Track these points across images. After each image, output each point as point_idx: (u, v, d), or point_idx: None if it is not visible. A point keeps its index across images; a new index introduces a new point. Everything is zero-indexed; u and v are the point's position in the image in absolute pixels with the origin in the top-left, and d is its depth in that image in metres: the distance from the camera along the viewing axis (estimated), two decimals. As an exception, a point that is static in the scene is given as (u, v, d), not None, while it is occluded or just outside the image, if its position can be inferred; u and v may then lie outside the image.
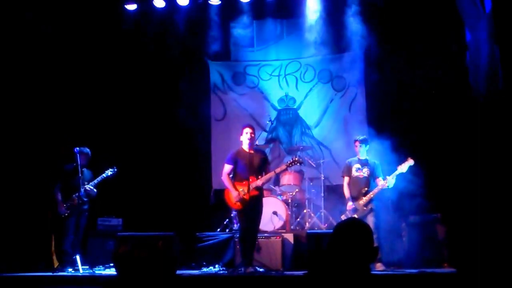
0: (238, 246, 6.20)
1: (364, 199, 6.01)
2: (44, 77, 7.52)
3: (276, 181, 7.63)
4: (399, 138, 6.65)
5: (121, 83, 8.25)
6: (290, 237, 6.60)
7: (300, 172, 7.77)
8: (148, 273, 2.23)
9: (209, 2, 8.29)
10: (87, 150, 6.61)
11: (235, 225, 7.12)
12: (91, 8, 7.73)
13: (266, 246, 6.31)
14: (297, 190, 7.56)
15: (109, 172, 6.58)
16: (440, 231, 6.46)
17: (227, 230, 7.38)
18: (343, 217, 6.24)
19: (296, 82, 8.93)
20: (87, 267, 6.29)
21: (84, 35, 7.86)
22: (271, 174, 5.92)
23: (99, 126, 7.99)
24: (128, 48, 8.15)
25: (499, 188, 4.16)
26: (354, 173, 6.19)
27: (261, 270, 5.79)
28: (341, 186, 7.09)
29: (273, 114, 8.77)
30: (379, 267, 5.64)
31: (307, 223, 7.43)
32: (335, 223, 7.12)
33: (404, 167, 5.98)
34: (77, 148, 6.40)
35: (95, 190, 6.48)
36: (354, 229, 2.19)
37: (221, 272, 6.11)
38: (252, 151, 5.85)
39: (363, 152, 6.24)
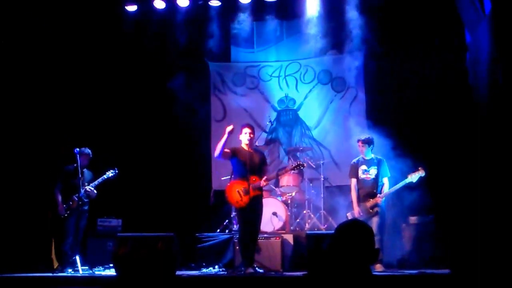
0: (237, 247, 6.20)
1: (372, 201, 5.90)
2: (45, 78, 7.53)
3: (276, 182, 7.63)
4: (399, 139, 6.65)
5: (121, 84, 8.26)
6: (289, 238, 6.60)
7: (300, 173, 7.77)
8: (148, 273, 2.23)
9: (209, 3, 8.30)
10: (88, 150, 6.62)
11: (235, 226, 7.12)
12: (92, 10, 7.74)
13: (266, 247, 6.31)
14: (296, 191, 7.56)
15: (110, 173, 6.59)
16: (439, 232, 6.46)
17: (226, 231, 7.38)
18: (349, 215, 6.18)
19: (296, 83, 8.94)
20: (87, 267, 6.30)
21: (84, 36, 7.87)
22: (273, 176, 5.96)
23: (99, 127, 8.00)
24: (129, 49, 8.15)
25: (499, 189, 4.16)
26: (361, 175, 6.06)
27: (260, 271, 5.79)
28: (340, 187, 7.11)
29: (273, 115, 8.78)
30: (378, 268, 5.63)
31: (306, 224, 7.44)
32: (334, 224, 7.13)
33: (414, 177, 5.84)
34: (78, 149, 6.40)
35: (95, 191, 6.48)
36: (355, 230, 2.19)
37: (221, 273, 6.11)
38: (251, 150, 5.87)
39: (367, 152, 6.08)
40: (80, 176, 6.33)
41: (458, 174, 5.85)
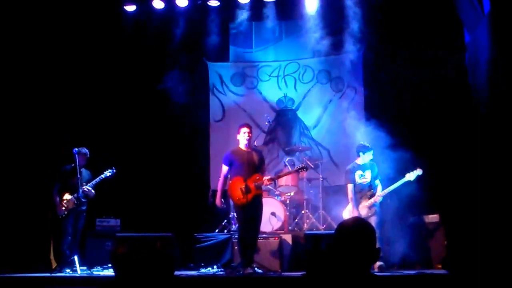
0: (236, 247, 6.19)
1: (369, 202, 6.11)
2: (43, 77, 7.50)
3: (274, 181, 7.62)
4: (398, 139, 6.65)
5: (119, 84, 8.24)
6: (288, 238, 6.60)
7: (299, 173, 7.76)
8: (146, 274, 2.22)
9: (208, 3, 8.29)
10: (85, 150, 6.60)
11: (234, 226, 7.11)
12: (91, 9, 7.72)
13: (265, 247, 6.30)
14: (295, 190, 7.56)
15: (107, 173, 6.57)
16: (439, 232, 6.46)
17: (225, 231, 7.37)
18: (345, 213, 6.30)
19: (294, 83, 8.94)
20: (85, 267, 6.28)
21: (83, 36, 7.85)
22: (276, 177, 6.04)
23: (97, 126, 7.98)
24: (127, 49, 8.14)
25: (499, 189, 4.16)
26: (358, 180, 6.24)
27: (259, 271, 5.78)
28: (339, 187, 7.10)
29: (272, 115, 8.77)
30: (377, 265, 5.65)
31: (305, 224, 7.43)
32: (333, 224, 7.13)
33: (412, 176, 6.03)
34: (76, 149, 6.38)
35: (93, 191, 6.46)
36: (358, 228, 2.16)
37: (219, 273, 6.10)
38: (249, 150, 5.86)
39: (363, 159, 6.27)
40: (78, 176, 6.31)
41: (457, 174, 5.86)
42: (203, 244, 6.90)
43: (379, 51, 8.08)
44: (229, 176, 5.88)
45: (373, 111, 8.18)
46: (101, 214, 7.31)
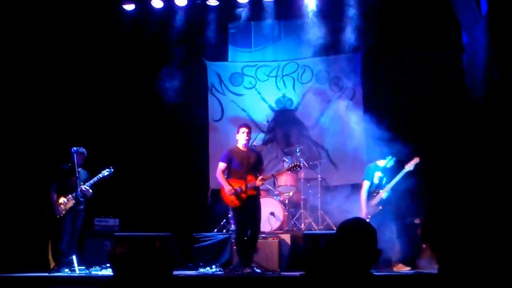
0: (235, 247, 6.20)
1: (376, 198, 6.24)
2: (41, 77, 7.50)
3: (273, 181, 7.63)
4: (397, 139, 6.66)
5: (118, 83, 8.24)
6: (287, 237, 6.61)
7: (297, 173, 7.77)
8: (145, 273, 2.22)
9: (207, 2, 8.29)
10: (83, 149, 6.58)
11: (232, 226, 7.11)
12: (89, 9, 7.72)
13: (263, 246, 6.31)
14: (294, 190, 7.56)
15: (105, 172, 6.57)
16: (439, 232, 6.46)
17: (224, 231, 7.37)
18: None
19: (293, 83, 8.94)
20: (84, 267, 6.29)
21: (82, 35, 7.85)
22: (269, 176, 5.97)
23: (95, 126, 7.97)
24: (126, 48, 8.13)
25: (499, 189, 4.16)
26: (376, 180, 6.36)
27: (258, 270, 5.79)
28: (337, 187, 7.11)
29: (271, 115, 8.77)
30: (401, 267, 5.83)
31: (304, 224, 7.44)
32: (332, 224, 7.15)
33: (411, 165, 6.19)
34: (74, 148, 6.38)
35: (90, 190, 6.46)
36: (359, 229, 2.17)
37: (218, 272, 6.10)
38: (247, 150, 5.86)
39: (386, 163, 6.38)
40: (76, 175, 6.31)
41: (456, 174, 5.87)
42: (202, 243, 6.90)
43: (378, 51, 8.09)
44: (225, 173, 5.87)
45: (372, 111, 8.19)
46: (100, 213, 7.30)
